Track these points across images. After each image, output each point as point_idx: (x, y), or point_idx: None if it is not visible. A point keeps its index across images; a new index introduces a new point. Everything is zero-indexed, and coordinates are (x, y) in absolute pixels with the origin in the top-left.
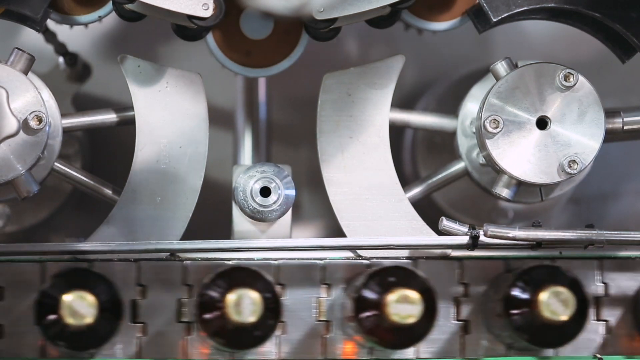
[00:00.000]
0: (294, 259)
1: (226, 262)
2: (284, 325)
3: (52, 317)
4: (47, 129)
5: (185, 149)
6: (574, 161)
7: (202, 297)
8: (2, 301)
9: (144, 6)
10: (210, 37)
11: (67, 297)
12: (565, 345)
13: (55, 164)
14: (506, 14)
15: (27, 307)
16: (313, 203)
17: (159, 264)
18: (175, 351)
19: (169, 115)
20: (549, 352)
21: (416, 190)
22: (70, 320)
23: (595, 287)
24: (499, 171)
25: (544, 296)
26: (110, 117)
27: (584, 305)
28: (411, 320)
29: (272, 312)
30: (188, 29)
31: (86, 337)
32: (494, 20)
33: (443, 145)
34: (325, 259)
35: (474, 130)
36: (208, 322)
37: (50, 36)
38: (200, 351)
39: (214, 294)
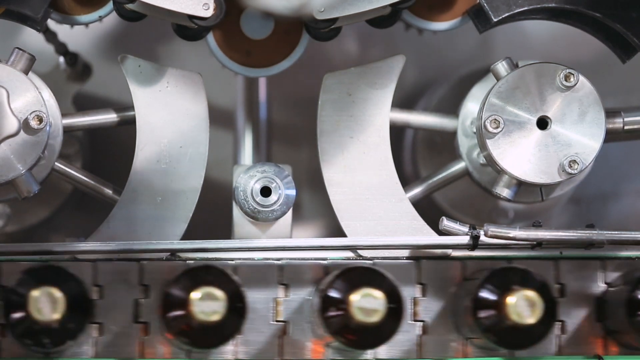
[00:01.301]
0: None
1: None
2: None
3: (178, 312)
4: (47, 128)
5: (185, 148)
6: (575, 161)
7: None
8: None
9: (144, 6)
10: (210, 37)
11: (196, 295)
12: None
13: (56, 163)
14: (506, 14)
15: None
16: (313, 203)
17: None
18: None
19: (169, 115)
20: None
21: (416, 190)
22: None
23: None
24: (499, 171)
25: None
26: (110, 117)
27: None
28: (532, 321)
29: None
30: (188, 28)
31: (213, 334)
32: (495, 20)
33: (443, 145)
34: (326, 258)
35: (475, 130)
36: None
37: (50, 36)
38: None
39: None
